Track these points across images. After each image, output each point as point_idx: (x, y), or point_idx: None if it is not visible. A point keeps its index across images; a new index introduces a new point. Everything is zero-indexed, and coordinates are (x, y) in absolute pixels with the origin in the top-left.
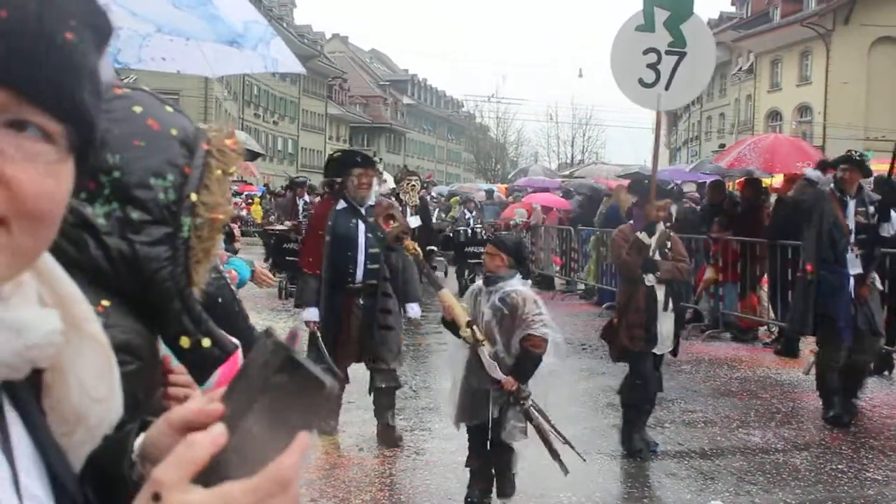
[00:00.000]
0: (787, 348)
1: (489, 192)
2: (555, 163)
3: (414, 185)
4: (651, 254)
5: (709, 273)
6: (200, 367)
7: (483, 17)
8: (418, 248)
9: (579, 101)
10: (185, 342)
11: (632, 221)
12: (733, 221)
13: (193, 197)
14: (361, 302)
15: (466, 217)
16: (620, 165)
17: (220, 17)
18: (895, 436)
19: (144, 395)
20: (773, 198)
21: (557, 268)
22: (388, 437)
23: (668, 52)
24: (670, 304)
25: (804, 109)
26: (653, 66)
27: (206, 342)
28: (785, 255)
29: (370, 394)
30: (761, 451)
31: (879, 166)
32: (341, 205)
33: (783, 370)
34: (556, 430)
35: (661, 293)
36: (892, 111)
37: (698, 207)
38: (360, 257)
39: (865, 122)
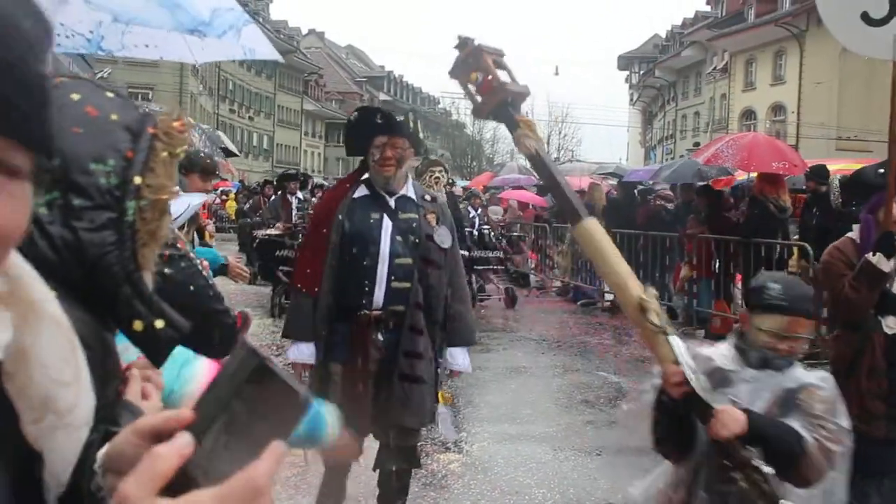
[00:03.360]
0: None
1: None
2: None
3: (438, 178)
4: (891, 285)
5: (684, 271)
6: (155, 349)
7: (459, 15)
8: None
9: (555, 98)
10: (138, 326)
11: (851, 234)
12: (704, 217)
13: (137, 180)
14: (381, 337)
15: (471, 216)
16: (596, 163)
17: (182, 6)
18: None
19: (97, 386)
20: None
21: (533, 264)
22: None
23: None
24: None
25: (778, 109)
26: None
27: (160, 323)
28: (758, 253)
29: (374, 469)
30: None
31: (851, 165)
32: (360, 191)
33: None
34: None
35: None
36: (863, 111)
37: (670, 206)
38: (382, 269)
39: (838, 121)
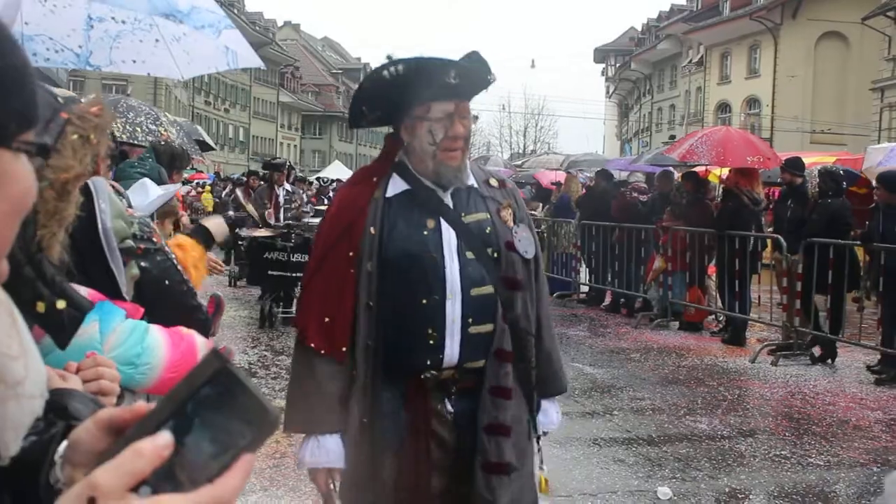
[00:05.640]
0: (734, 337)
1: None
2: (507, 153)
3: None
4: None
5: (658, 262)
6: (59, 329)
7: (435, 8)
8: None
9: (532, 91)
10: (40, 307)
11: None
12: (682, 211)
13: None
14: (451, 409)
15: None
16: (571, 155)
17: None
18: (836, 422)
19: None
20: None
21: None
22: None
23: None
24: None
25: (752, 102)
26: None
27: (61, 304)
28: (733, 246)
29: None
30: (707, 437)
31: (825, 158)
32: (395, 186)
33: (730, 358)
34: None
35: None
36: (837, 105)
37: (644, 197)
38: (453, 308)
39: (812, 115)
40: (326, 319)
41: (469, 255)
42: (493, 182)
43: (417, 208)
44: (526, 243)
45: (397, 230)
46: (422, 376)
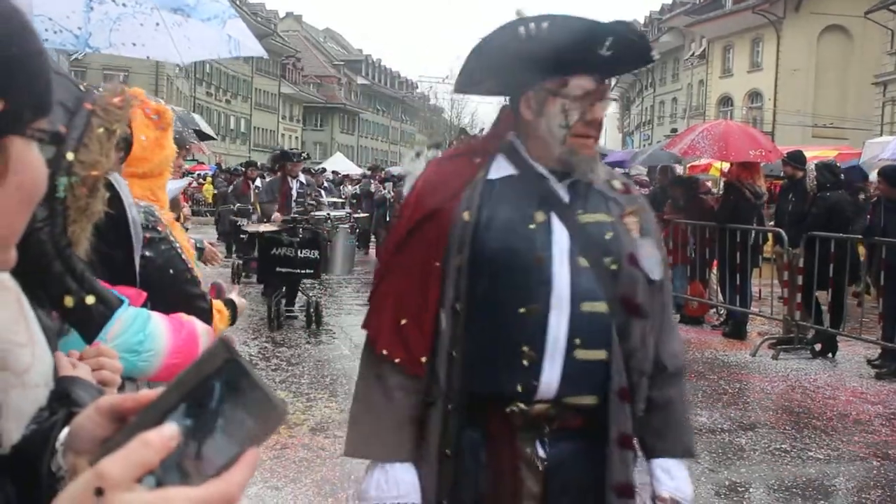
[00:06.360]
0: (735, 330)
1: None
2: None
3: None
4: None
5: None
6: (87, 325)
7: (437, 1)
8: None
9: None
10: (68, 301)
11: None
12: (683, 205)
13: (70, 156)
14: (543, 454)
15: None
16: None
17: None
18: (837, 416)
19: None
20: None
21: None
22: None
23: None
24: None
25: (755, 95)
26: None
27: (90, 299)
28: (734, 239)
29: None
30: (708, 430)
31: (826, 152)
32: (499, 169)
33: (731, 352)
34: None
35: None
36: (839, 99)
37: (645, 191)
38: (559, 323)
39: (814, 108)
40: (403, 321)
41: (582, 261)
42: (618, 184)
43: (525, 196)
44: (652, 262)
45: (497, 219)
46: (507, 409)
